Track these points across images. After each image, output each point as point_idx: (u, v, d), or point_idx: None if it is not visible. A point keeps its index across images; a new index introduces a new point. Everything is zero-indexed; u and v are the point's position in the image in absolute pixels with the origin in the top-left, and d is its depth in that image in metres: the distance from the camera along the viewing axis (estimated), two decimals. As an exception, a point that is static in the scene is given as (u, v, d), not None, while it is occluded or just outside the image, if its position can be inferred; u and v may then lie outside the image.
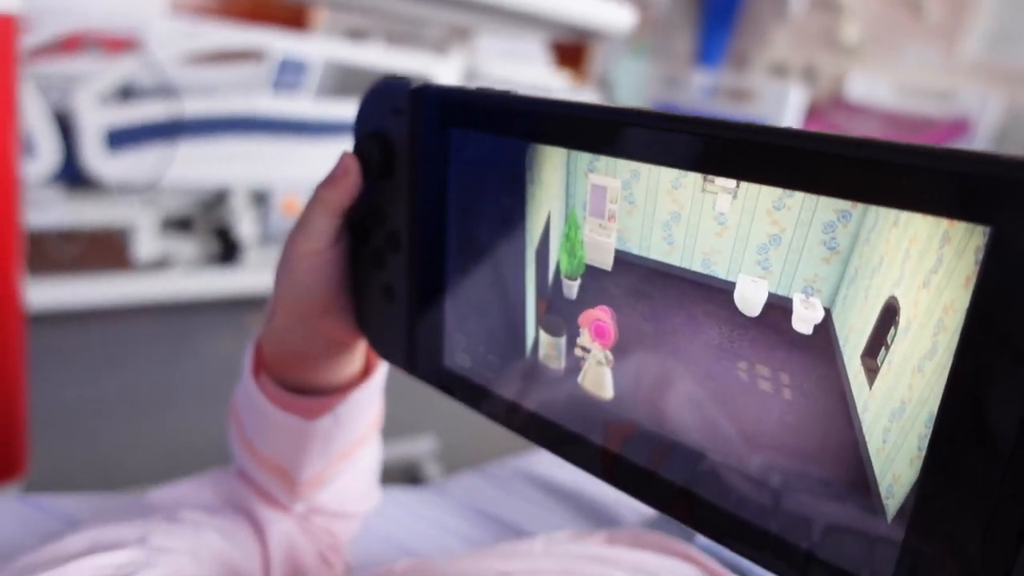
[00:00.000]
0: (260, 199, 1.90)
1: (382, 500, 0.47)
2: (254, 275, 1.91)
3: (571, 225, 0.26)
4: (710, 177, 0.22)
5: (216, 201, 1.89)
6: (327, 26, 2.94)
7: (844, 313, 0.20)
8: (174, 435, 1.46)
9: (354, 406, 0.38)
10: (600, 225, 0.25)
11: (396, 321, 0.35)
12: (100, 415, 1.37)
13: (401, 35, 2.33)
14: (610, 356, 0.26)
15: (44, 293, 1.62)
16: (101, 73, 1.55)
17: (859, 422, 0.19)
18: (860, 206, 0.18)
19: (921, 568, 0.18)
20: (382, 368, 0.40)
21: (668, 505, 0.24)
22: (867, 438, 0.19)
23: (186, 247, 1.93)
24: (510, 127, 0.27)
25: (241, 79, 1.91)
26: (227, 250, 1.96)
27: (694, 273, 0.23)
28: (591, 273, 0.26)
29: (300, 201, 1.89)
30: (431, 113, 0.31)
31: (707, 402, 0.23)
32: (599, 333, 0.26)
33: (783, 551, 0.21)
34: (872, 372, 0.19)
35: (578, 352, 0.27)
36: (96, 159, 1.54)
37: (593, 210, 0.25)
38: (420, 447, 1.37)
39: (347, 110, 1.78)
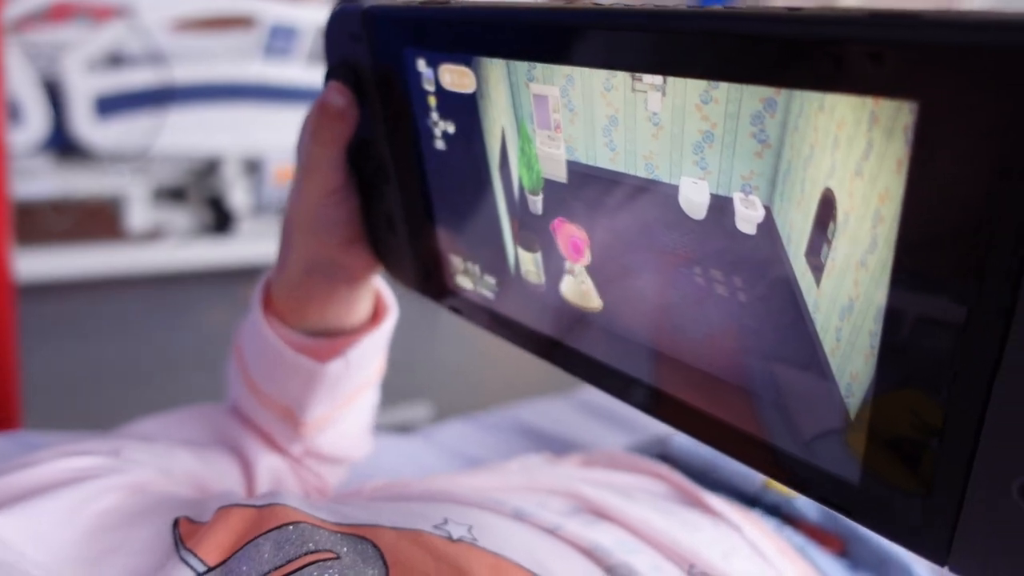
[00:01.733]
0: (253, 168, 1.88)
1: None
2: (248, 245, 1.90)
3: (524, 139, 0.26)
4: (637, 75, 0.21)
5: (208, 170, 1.88)
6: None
7: (784, 210, 0.19)
8: (167, 406, 1.45)
9: (364, 350, 0.38)
10: (549, 137, 0.25)
11: (402, 249, 0.35)
12: (92, 387, 1.37)
13: None
14: (583, 268, 0.26)
15: (35, 264, 1.61)
16: (89, 40, 1.54)
17: (812, 323, 0.19)
18: (784, 92, 0.17)
19: (884, 464, 0.17)
20: (392, 314, 0.40)
21: (649, 406, 0.25)
22: (822, 338, 0.19)
23: (179, 217, 1.92)
24: (451, 41, 0.26)
25: (232, 46, 1.89)
26: (220, 220, 1.95)
27: (640, 179, 0.23)
28: (550, 187, 0.26)
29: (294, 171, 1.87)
30: (384, 35, 0.29)
31: (672, 308, 0.23)
32: (570, 246, 0.26)
33: (756, 449, 0.21)
34: (817, 270, 0.18)
35: (554, 266, 0.27)
36: (86, 127, 1.52)
37: (540, 121, 0.25)
38: (416, 413, 1.38)
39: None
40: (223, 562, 0.25)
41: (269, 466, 0.40)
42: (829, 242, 0.17)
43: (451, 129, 0.28)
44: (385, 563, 0.26)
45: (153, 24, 1.59)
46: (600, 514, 0.33)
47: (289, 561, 0.25)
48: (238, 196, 1.88)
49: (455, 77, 0.27)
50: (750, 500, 0.41)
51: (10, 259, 0.89)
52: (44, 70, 1.51)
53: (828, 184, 0.17)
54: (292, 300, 0.38)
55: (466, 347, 1.79)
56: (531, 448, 0.60)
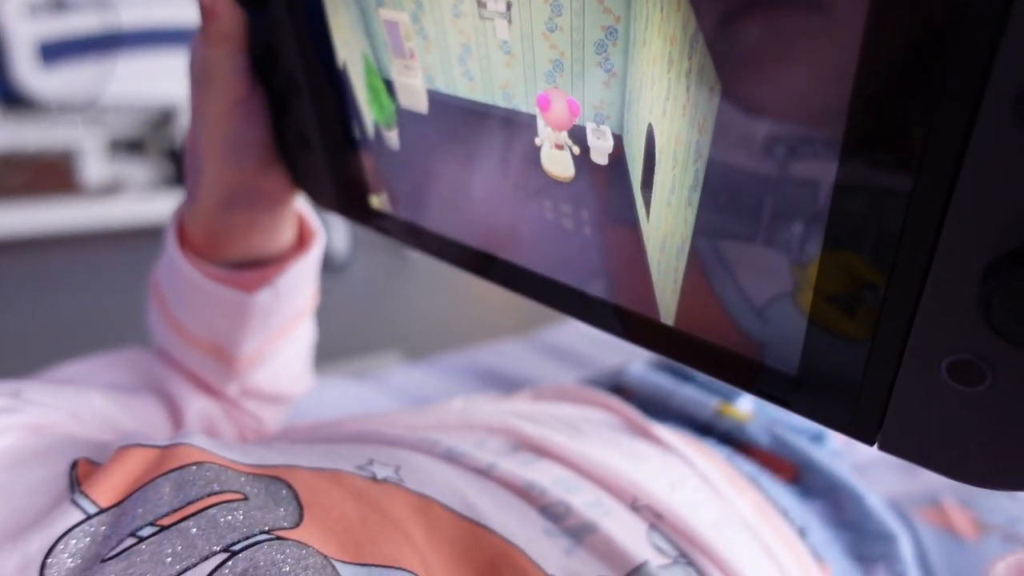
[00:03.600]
0: (211, 117, 1.82)
1: (319, 388, 0.46)
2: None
3: (369, 72, 0.24)
4: (482, 1, 0.20)
5: (165, 120, 1.82)
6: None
7: (630, 141, 0.18)
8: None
9: (293, 278, 0.37)
10: (405, 66, 0.23)
11: (318, 167, 0.32)
12: (49, 345, 1.34)
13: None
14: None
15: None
16: (28, -18, 1.46)
17: (646, 254, 0.19)
18: (623, 20, 0.17)
19: (821, 343, 0.17)
20: (319, 239, 0.38)
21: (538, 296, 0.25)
22: (652, 268, 0.19)
23: (138, 170, 1.86)
24: None
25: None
26: (181, 172, 1.89)
27: (500, 109, 0.21)
28: (410, 119, 0.24)
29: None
30: None
31: (533, 240, 0.22)
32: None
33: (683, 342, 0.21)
34: (647, 204, 0.18)
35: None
36: (29, 75, 1.46)
37: (394, 50, 0.23)
38: (385, 361, 1.37)
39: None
40: (117, 503, 0.23)
41: (199, 410, 0.38)
42: (654, 175, 0.17)
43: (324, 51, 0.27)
44: (300, 503, 0.24)
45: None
46: (539, 451, 0.32)
47: (190, 503, 0.23)
48: (197, 147, 1.82)
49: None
50: (703, 428, 0.40)
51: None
52: (-18, 16, 1.43)
53: (649, 119, 0.17)
54: (210, 233, 0.35)
55: (437, 293, 1.77)
56: (486, 390, 0.58)
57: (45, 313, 1.47)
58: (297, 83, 0.30)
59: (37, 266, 1.64)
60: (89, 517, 0.23)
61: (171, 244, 0.36)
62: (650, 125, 0.17)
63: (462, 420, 0.34)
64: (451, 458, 0.30)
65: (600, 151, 0.19)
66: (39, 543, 0.22)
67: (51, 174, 1.79)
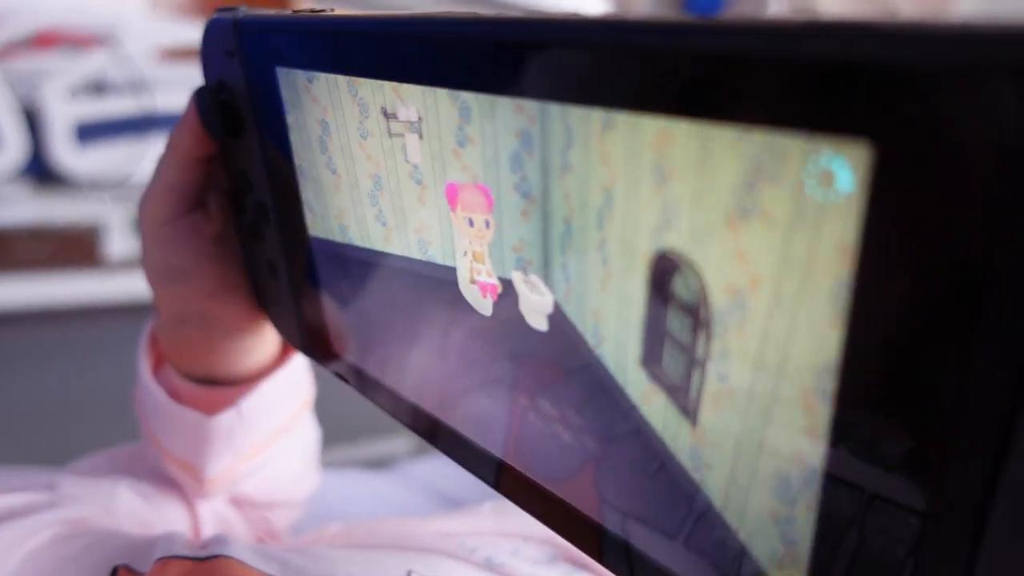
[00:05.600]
0: (235, 197, 1.87)
1: (338, 481, 0.45)
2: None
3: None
4: (391, 111, 0.18)
5: (190, 199, 1.87)
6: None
7: (578, 294, 0.13)
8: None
9: (263, 399, 0.35)
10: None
11: (285, 300, 0.31)
12: (71, 416, 1.34)
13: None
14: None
15: (9, 292, 1.59)
16: (71, 67, 1.53)
17: (679, 466, 0.13)
18: (539, 118, 0.13)
19: None
20: (294, 354, 0.37)
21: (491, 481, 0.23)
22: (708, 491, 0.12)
23: (159, 246, 1.90)
24: (323, 57, 0.22)
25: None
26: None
27: (417, 262, 0.19)
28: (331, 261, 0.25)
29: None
30: (257, 50, 0.26)
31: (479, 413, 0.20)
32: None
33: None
34: (662, 383, 0.12)
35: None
36: (65, 153, 1.51)
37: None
38: (393, 447, 1.35)
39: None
40: None
41: (212, 508, 0.38)
42: (694, 338, 0.11)
43: (329, 161, 0.24)
44: None
45: (136, 53, 1.59)
46: (578, 563, 0.32)
47: None
48: (219, 225, 1.86)
49: (343, 112, 0.23)
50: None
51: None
52: (24, 97, 1.49)
53: (664, 244, 0.11)
54: (171, 348, 0.35)
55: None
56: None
57: (62, 382, 1.48)
58: (266, 212, 0.30)
59: (56, 336, 1.65)
60: None
61: (140, 354, 0.36)
62: (674, 258, 0.11)
63: (497, 526, 0.34)
64: (490, 567, 0.30)
65: (535, 309, 0.15)
66: None
67: (76, 247, 1.82)
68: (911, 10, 3.30)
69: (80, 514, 0.29)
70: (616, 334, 0.13)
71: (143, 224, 0.31)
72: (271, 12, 0.25)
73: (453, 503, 0.54)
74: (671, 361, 0.12)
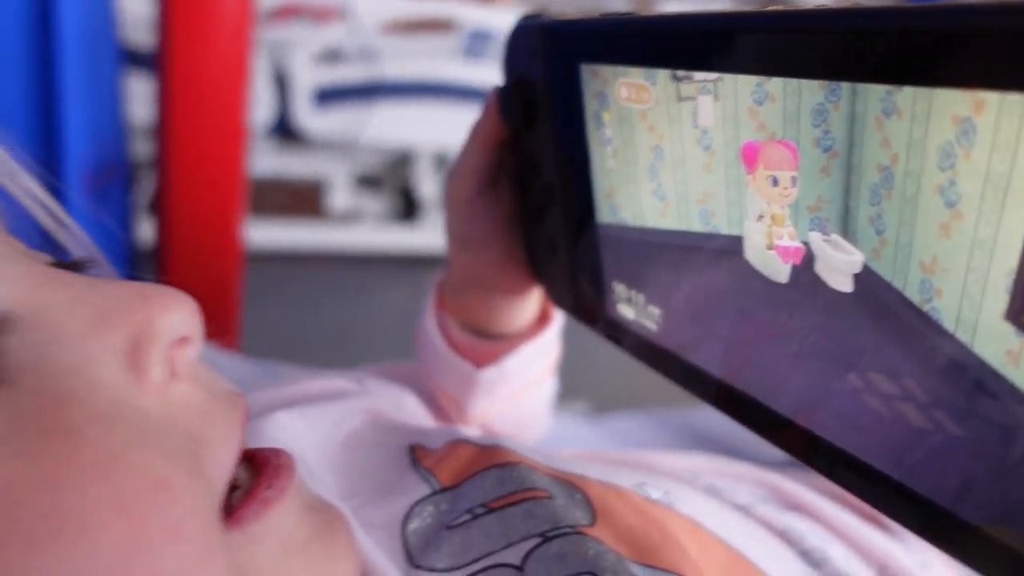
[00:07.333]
0: (442, 163, 2.00)
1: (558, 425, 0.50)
2: (432, 235, 2.02)
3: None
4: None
5: (402, 161, 2.02)
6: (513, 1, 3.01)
7: (896, 247, 0.13)
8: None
9: (521, 359, 0.40)
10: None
11: (562, 271, 0.35)
12: (286, 350, 1.52)
13: (585, 8, 2.35)
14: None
15: (255, 234, 1.81)
16: (314, 38, 1.70)
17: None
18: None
19: None
20: (553, 323, 0.42)
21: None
22: None
23: (374, 203, 2.08)
24: (631, 54, 0.24)
25: (434, 47, 2.02)
26: (408, 208, 2.09)
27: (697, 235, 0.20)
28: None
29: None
30: (561, 50, 0.28)
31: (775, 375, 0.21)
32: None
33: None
34: None
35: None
36: (305, 115, 1.69)
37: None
38: (574, 410, 1.40)
39: (530, 80, 1.82)
40: (454, 486, 0.28)
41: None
42: None
43: (623, 148, 0.26)
44: (593, 510, 0.28)
45: (368, 25, 1.74)
46: (792, 505, 0.34)
47: (511, 494, 0.27)
48: (426, 188, 2.00)
49: (632, 92, 0.25)
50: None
51: (241, 228, 1.02)
52: (275, 64, 1.69)
53: None
54: (455, 304, 0.40)
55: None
56: (702, 450, 0.60)
57: (289, 319, 1.67)
58: (553, 194, 0.33)
59: (284, 278, 1.86)
60: (434, 492, 0.28)
61: (427, 302, 0.42)
62: None
63: (712, 467, 0.36)
64: (712, 492, 0.33)
65: (838, 269, 0.14)
66: (401, 505, 0.27)
67: (303, 199, 2.04)
68: None
69: (382, 406, 0.36)
70: (962, 286, 0.12)
71: (449, 198, 0.37)
72: (577, 16, 0.28)
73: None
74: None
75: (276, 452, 0.20)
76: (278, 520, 0.19)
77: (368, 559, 0.24)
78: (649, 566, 0.26)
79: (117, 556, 0.14)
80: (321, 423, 0.32)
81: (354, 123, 1.74)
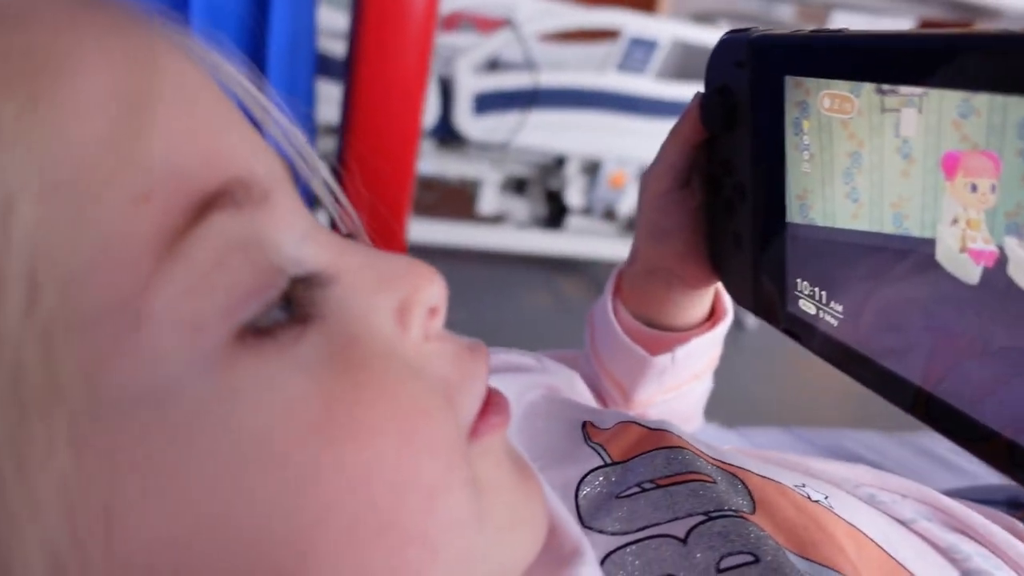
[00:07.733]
0: (591, 170, 2.03)
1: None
2: (574, 241, 2.06)
3: None
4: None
5: (552, 167, 2.07)
6: (673, 10, 3.00)
7: None
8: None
9: (692, 350, 0.42)
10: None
11: (744, 267, 0.36)
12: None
13: (749, 17, 2.31)
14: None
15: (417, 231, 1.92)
16: (479, 46, 1.79)
17: None
18: None
19: None
20: (725, 319, 0.43)
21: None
22: None
23: (520, 206, 2.14)
24: (837, 68, 0.26)
25: (592, 56, 2.06)
26: (553, 214, 2.14)
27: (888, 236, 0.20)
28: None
29: (627, 177, 1.99)
30: (767, 61, 0.31)
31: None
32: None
33: None
34: None
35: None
36: (465, 119, 1.78)
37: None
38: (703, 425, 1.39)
39: (685, 92, 1.82)
40: (623, 461, 0.30)
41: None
42: None
43: (820, 153, 0.28)
44: (753, 499, 0.29)
45: (529, 35, 1.80)
46: (958, 527, 0.33)
47: (678, 474, 0.29)
48: (573, 194, 2.04)
49: (836, 102, 0.27)
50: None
51: (406, 221, 1.09)
52: (441, 70, 1.79)
53: None
54: (634, 293, 0.43)
55: (768, 367, 1.75)
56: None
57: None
58: (744, 194, 0.35)
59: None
60: (606, 464, 0.30)
61: (607, 290, 0.45)
62: None
63: (876, 480, 0.36)
64: (872, 503, 0.33)
65: None
66: (575, 472, 0.30)
67: (456, 199, 2.14)
68: None
69: (557, 383, 0.39)
70: None
71: (645, 192, 0.39)
72: (784, 32, 0.30)
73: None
74: None
75: (496, 390, 0.24)
76: (500, 441, 0.23)
77: (553, 512, 0.27)
78: (807, 559, 0.26)
79: (393, 459, 0.19)
80: (507, 392, 0.35)
81: (510, 128, 1.81)
